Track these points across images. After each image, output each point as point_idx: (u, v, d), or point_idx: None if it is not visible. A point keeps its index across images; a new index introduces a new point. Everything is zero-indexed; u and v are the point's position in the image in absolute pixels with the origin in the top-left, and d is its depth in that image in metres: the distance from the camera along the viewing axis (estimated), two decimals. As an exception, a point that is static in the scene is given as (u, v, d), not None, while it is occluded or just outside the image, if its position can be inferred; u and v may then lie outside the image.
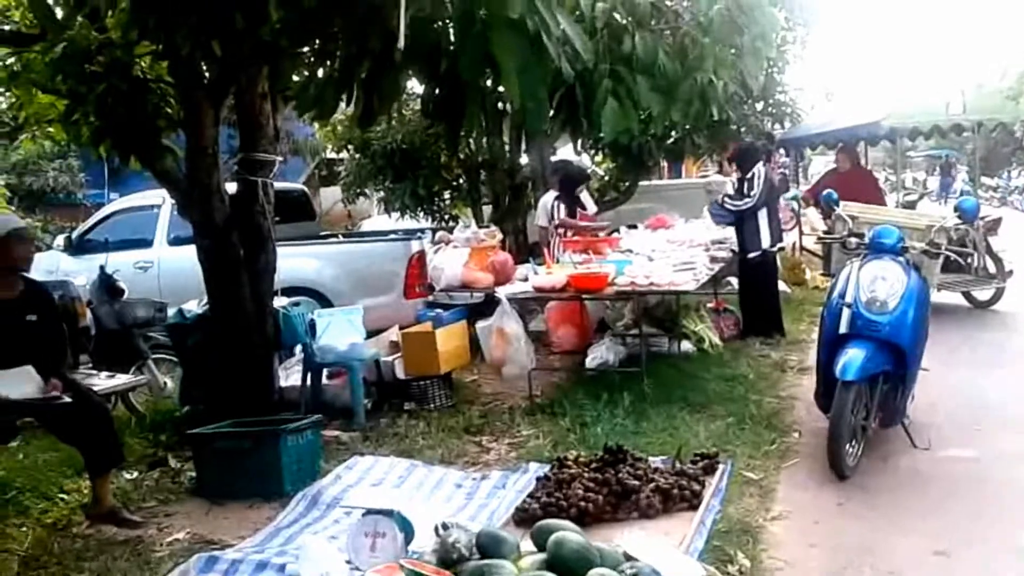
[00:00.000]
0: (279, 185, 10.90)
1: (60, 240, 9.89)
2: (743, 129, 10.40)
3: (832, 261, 6.02)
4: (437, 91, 2.81)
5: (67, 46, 4.59)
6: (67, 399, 4.33)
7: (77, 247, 9.44)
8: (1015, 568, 3.57)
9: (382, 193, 11.39)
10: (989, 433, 5.26)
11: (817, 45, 14.61)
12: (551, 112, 3.26)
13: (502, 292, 6.66)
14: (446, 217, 11.28)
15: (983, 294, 9.10)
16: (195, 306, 6.41)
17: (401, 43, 2.44)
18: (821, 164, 28.26)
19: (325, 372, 6.68)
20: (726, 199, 8.24)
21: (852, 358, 4.41)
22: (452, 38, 2.54)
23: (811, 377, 6.63)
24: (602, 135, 3.51)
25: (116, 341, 6.97)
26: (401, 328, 7.25)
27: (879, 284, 4.58)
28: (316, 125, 11.77)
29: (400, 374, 6.67)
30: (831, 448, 4.47)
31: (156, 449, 5.88)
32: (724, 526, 3.96)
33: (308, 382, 6.60)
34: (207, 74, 5.32)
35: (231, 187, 6.06)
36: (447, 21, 2.57)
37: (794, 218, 13.61)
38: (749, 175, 8.09)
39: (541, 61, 2.63)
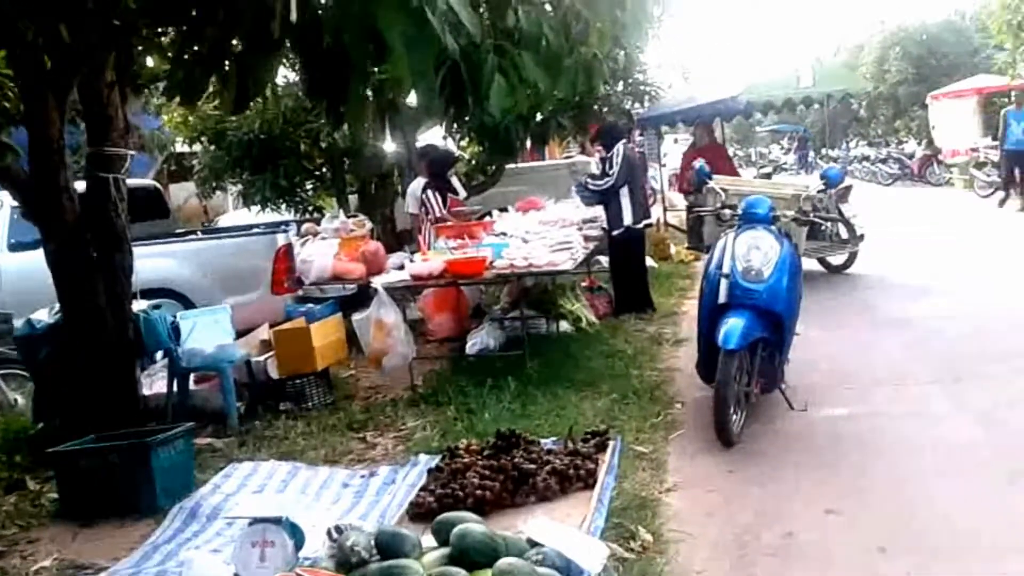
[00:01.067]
0: (130, 182, 10.40)
1: None
2: (605, 109, 10.51)
3: (705, 234, 6.13)
4: (316, 70, 2.63)
5: None
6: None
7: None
8: (905, 520, 3.70)
9: (240, 187, 10.89)
10: (860, 390, 5.50)
11: (673, 23, 14.95)
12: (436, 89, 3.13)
13: (378, 282, 6.47)
14: (310, 208, 10.91)
15: (838, 259, 9.55)
16: (46, 315, 5.93)
17: (294, 15, 2.25)
18: (669, 143, 29.23)
19: (192, 377, 6.34)
20: (587, 180, 8.32)
21: (732, 327, 4.48)
22: (332, 13, 2.37)
23: (686, 349, 6.81)
24: (490, 113, 3.37)
25: (-43, 357, 6.39)
26: (271, 326, 6.96)
27: (754, 253, 4.68)
28: (164, 117, 11.15)
29: (274, 373, 6.39)
30: (717, 417, 4.54)
31: (11, 472, 5.41)
32: (621, 502, 3.95)
33: (175, 388, 6.26)
34: (48, 63, 4.88)
35: (80, 185, 5.63)
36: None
37: (654, 196, 13.97)
38: (610, 154, 8.19)
39: (426, 36, 2.49)
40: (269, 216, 10.89)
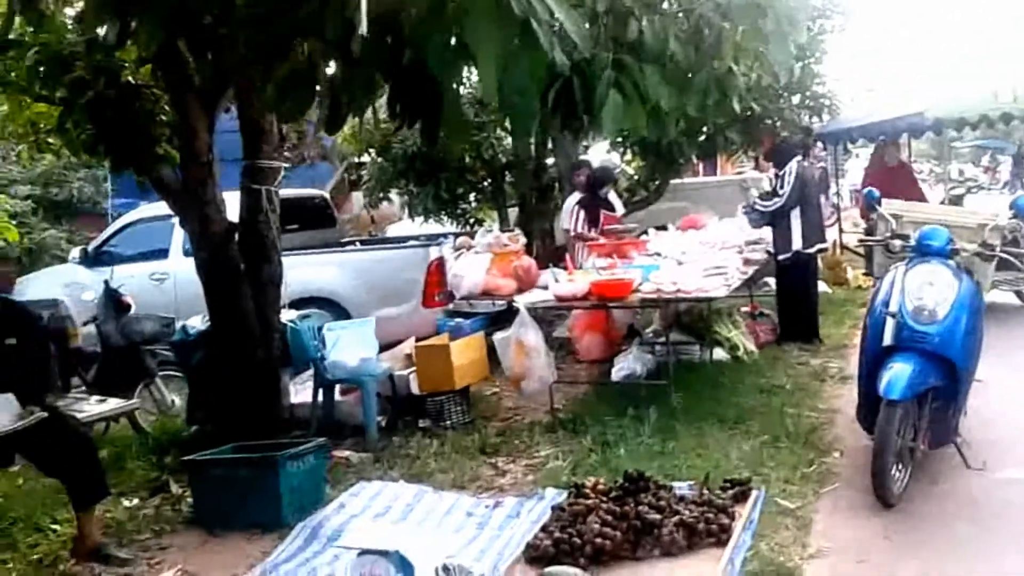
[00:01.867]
0: (298, 192, 10.79)
1: (76, 252, 9.70)
2: (779, 123, 9.90)
3: (874, 266, 5.55)
4: (402, 92, 2.47)
5: (39, 50, 4.31)
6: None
7: (94, 259, 9.25)
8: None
9: (405, 197, 11.07)
10: (1052, 451, 4.79)
11: (856, 34, 14.04)
12: (549, 108, 2.90)
13: (521, 301, 6.29)
14: (471, 221, 10.92)
15: (1035, 291, 8.53)
16: (199, 322, 6.14)
17: (363, 28, 2.09)
18: (863, 158, 27.53)
19: (338, 388, 6.39)
20: (756, 201, 7.81)
21: (897, 374, 3.98)
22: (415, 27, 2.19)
23: (853, 387, 6.15)
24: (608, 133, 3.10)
25: (122, 358, 6.72)
26: (419, 339, 6.93)
27: (927, 291, 4.14)
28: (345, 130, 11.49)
29: (415, 389, 6.34)
30: (876, 473, 4.04)
31: (159, 473, 5.61)
32: (756, 566, 3.56)
33: (320, 399, 6.32)
34: (197, 77, 5.01)
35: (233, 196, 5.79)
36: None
37: (835, 215, 13.10)
38: (783, 172, 7.66)
39: (529, 51, 2.26)
40: (432, 227, 11.02)
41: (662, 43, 2.89)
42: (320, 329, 6.28)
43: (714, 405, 5.85)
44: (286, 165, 5.90)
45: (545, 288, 6.63)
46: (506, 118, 10.65)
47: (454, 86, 2.45)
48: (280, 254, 5.91)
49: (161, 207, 9.30)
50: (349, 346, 6.15)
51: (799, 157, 8.10)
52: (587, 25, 2.76)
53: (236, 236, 5.50)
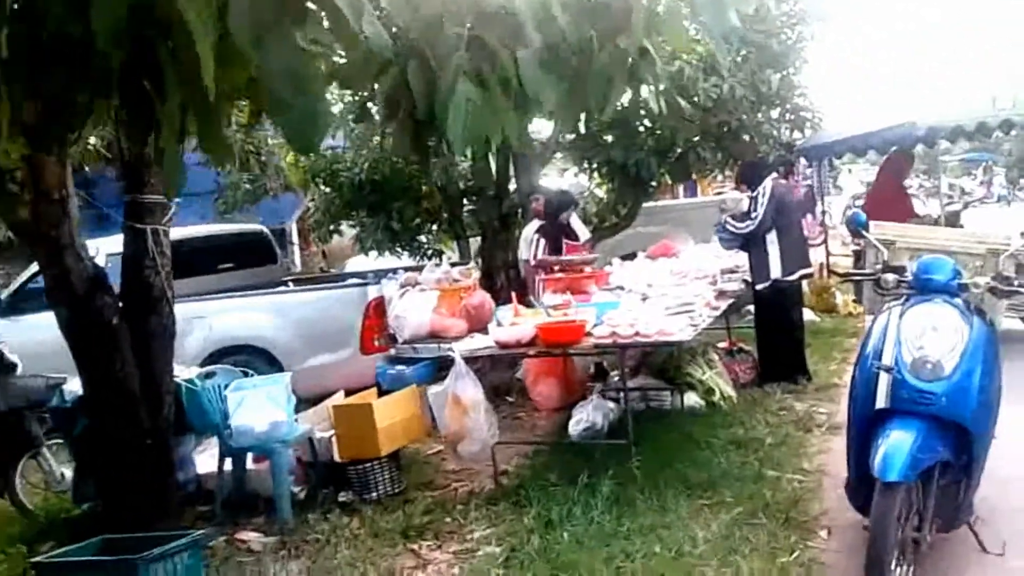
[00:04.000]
0: (236, 227, 9.95)
1: (-9, 300, 8.79)
2: (756, 139, 9.09)
3: (864, 299, 4.71)
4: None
5: None
6: None
7: (9, 307, 8.33)
8: None
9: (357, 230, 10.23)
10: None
11: (838, 41, 13.30)
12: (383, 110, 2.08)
13: (457, 348, 5.43)
14: (428, 253, 10.07)
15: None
16: (78, 385, 5.26)
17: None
18: (857, 174, 26.78)
19: (250, 455, 5.52)
20: (727, 221, 6.99)
21: (895, 446, 3.11)
22: None
23: (842, 438, 5.32)
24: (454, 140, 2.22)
25: (5, 425, 5.82)
26: (353, 391, 6.08)
27: (930, 338, 3.29)
28: (289, 155, 10.68)
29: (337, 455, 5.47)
30: (870, 570, 3.16)
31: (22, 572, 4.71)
32: None
33: (230, 468, 5.46)
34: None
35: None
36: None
37: (824, 232, 12.26)
38: (755, 192, 6.85)
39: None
40: (390, 262, 10.16)
41: (542, 11, 2.06)
42: (225, 388, 5.42)
43: (682, 467, 4.99)
44: (177, 200, 5.03)
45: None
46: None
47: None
48: (171, 303, 5.05)
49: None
50: (257, 408, 5.28)
51: (774, 175, 7.30)
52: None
53: (105, 286, 4.62)
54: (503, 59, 1.98)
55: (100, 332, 4.60)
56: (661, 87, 2.61)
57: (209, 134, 2.14)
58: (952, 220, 8.62)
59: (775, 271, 6.69)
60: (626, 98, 2.61)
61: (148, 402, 4.87)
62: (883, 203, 8.42)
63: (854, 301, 9.38)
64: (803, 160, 12.00)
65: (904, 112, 8.60)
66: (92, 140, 5.93)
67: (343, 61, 2.19)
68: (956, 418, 3.22)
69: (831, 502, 4.34)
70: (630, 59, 2.33)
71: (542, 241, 7.34)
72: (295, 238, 16.62)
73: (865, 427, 3.40)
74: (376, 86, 2.14)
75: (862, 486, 3.45)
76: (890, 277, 3.59)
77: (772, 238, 6.68)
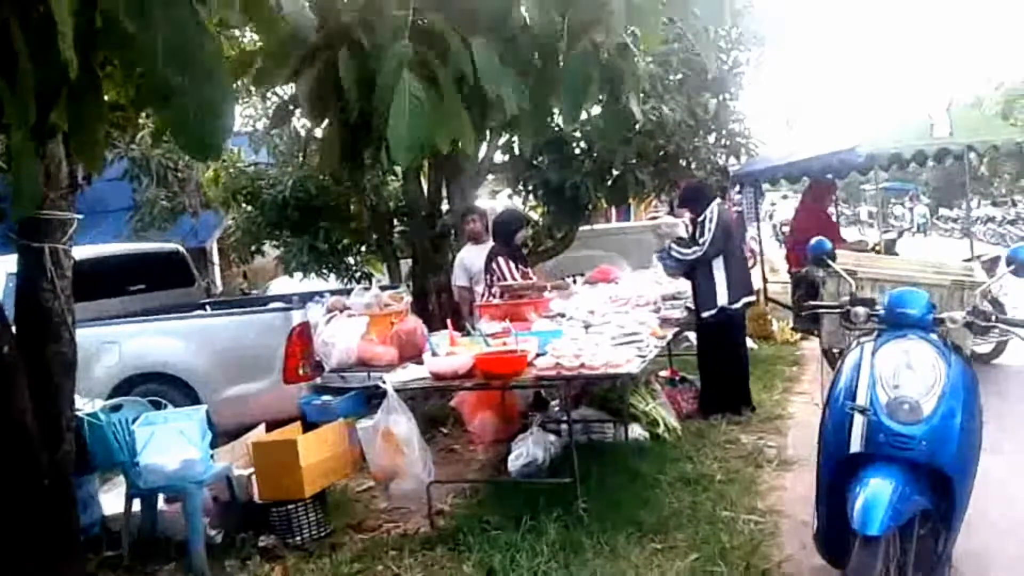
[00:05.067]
0: (150, 246, 9.38)
1: None
2: (694, 164, 8.97)
3: (824, 336, 4.50)
4: None
5: None
6: None
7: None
8: None
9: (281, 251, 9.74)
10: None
11: (774, 66, 13.33)
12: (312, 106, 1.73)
13: (390, 380, 5.04)
14: (357, 276, 9.64)
15: (984, 346, 7.64)
16: (-36, 419, 4.71)
17: None
18: (775, 197, 27.21)
19: (162, 496, 5.04)
20: (672, 247, 6.76)
21: (875, 497, 2.86)
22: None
23: (795, 475, 5.16)
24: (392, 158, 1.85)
25: None
26: (276, 424, 5.65)
27: (906, 377, 3.05)
28: (208, 172, 10.13)
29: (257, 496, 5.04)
30: (849, 635, 2.90)
31: None
32: None
33: (137, 510, 4.97)
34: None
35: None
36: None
37: (754, 258, 12.23)
38: (701, 217, 6.64)
39: None
40: (320, 284, 9.69)
41: (503, 4, 1.73)
42: (132, 423, 4.94)
43: (631, 507, 4.69)
44: (78, 216, 4.55)
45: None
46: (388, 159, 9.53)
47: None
48: (72, 329, 4.55)
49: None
50: (168, 444, 4.81)
51: (718, 200, 7.13)
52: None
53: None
54: (455, 49, 1.65)
55: (-12, 363, 4.09)
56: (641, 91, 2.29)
57: (77, 129, 1.75)
58: (889, 248, 8.61)
59: (722, 298, 6.50)
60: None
61: (46, 438, 4.36)
62: (811, 230, 8.34)
63: (792, 328, 9.28)
64: (736, 186, 12.00)
65: (843, 138, 8.52)
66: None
67: (257, 46, 1.85)
68: (937, 464, 2.99)
69: (792, 547, 4.08)
70: (605, 55, 2.01)
71: (510, 263, 6.91)
72: (215, 258, 15.97)
73: (837, 472, 3.15)
74: (298, 81, 1.78)
75: (833, 535, 3.20)
76: (861, 310, 3.36)
77: (719, 263, 6.50)
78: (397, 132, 1.61)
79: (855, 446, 3.06)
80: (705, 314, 6.55)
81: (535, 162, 8.72)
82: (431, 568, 4.31)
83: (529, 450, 5.61)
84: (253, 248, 9.73)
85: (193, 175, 11.47)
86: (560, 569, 4.02)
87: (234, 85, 1.98)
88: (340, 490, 5.55)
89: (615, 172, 8.50)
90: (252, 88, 6.80)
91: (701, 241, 6.52)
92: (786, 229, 14.50)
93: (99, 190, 17.87)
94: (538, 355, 4.95)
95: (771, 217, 24.30)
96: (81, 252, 7.53)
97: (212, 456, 5.09)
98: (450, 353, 5.12)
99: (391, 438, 4.80)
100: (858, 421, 3.07)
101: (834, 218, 10.40)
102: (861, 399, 3.09)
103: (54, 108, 1.93)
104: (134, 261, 8.24)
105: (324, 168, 6.18)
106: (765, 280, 10.75)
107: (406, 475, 4.80)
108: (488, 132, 9.19)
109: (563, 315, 6.12)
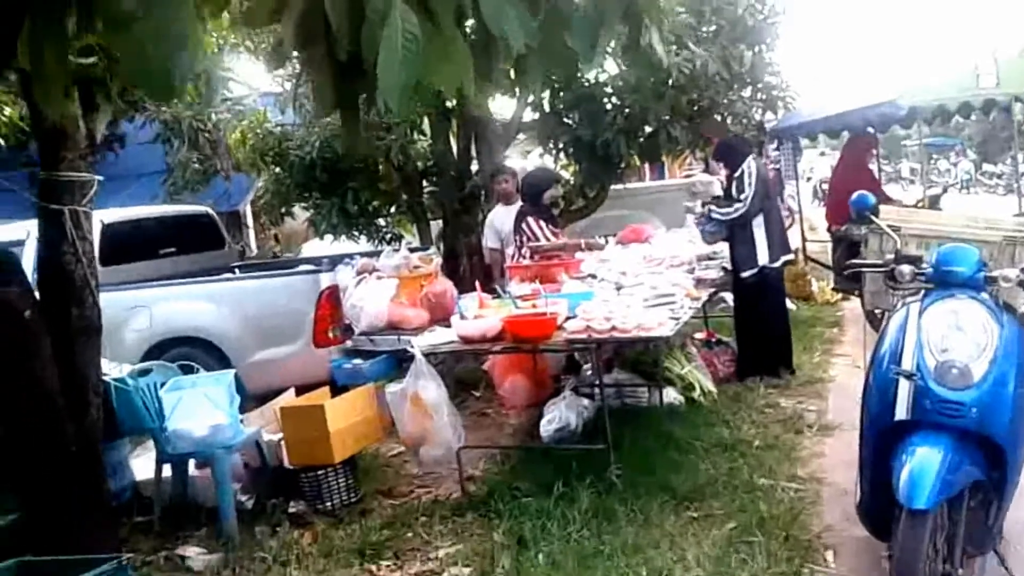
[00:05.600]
0: (180, 209, 9.35)
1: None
2: (729, 118, 8.69)
3: (866, 297, 4.32)
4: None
5: None
6: None
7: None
8: None
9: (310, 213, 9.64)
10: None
11: (810, 16, 12.89)
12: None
13: (418, 344, 4.96)
14: (387, 237, 9.52)
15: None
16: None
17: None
18: (813, 157, 26.63)
19: (192, 461, 5.02)
20: (711, 208, 6.54)
21: (922, 468, 2.71)
22: None
23: (836, 441, 5.00)
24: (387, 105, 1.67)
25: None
26: (305, 388, 5.59)
27: (955, 339, 2.89)
28: (236, 133, 10.04)
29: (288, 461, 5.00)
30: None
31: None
32: None
33: (168, 475, 4.96)
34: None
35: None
36: None
37: (791, 217, 11.94)
38: (738, 172, 6.42)
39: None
40: (348, 246, 9.61)
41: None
42: (160, 387, 4.90)
43: (665, 473, 4.57)
44: (98, 178, 4.48)
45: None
46: (421, 117, 9.36)
47: None
48: (96, 293, 4.50)
49: (8, 230, 7.82)
50: (196, 410, 4.78)
51: (754, 155, 6.90)
52: None
53: (10, 274, 4.06)
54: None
55: (8, 327, 4.05)
56: (657, 38, 2.09)
57: (40, 72, 1.61)
58: (933, 205, 8.31)
59: (763, 257, 6.31)
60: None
61: (72, 405, 4.34)
62: (851, 187, 8.05)
63: (833, 289, 9.05)
64: (774, 141, 11.68)
65: (884, 90, 8.20)
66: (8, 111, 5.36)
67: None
68: (988, 432, 2.83)
69: (833, 516, 3.95)
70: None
71: (540, 223, 6.76)
72: (249, 221, 15.93)
73: (881, 440, 3.00)
74: (283, 18, 1.63)
75: (877, 506, 3.06)
76: (906, 269, 3.18)
77: (759, 222, 6.30)
78: (388, 71, 1.46)
79: (901, 413, 2.91)
80: (745, 274, 6.36)
81: (566, 119, 8.52)
82: (461, 535, 4.25)
83: (562, 414, 5.51)
84: (282, 211, 9.65)
85: (221, 137, 11.42)
86: (592, 537, 3.93)
87: (201, 18, 1.83)
88: (372, 455, 5.50)
89: (648, 128, 8.27)
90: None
91: (743, 198, 6.31)
92: (826, 187, 14.16)
93: (134, 153, 17.95)
94: (568, 318, 4.82)
95: (809, 179, 23.77)
96: (111, 215, 7.60)
97: (242, 421, 5.06)
98: (478, 316, 5.01)
99: (419, 403, 4.73)
100: (904, 387, 2.91)
101: (875, 174, 10.07)
102: (907, 363, 2.93)
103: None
104: (164, 224, 8.22)
105: (322, 113, 5.94)
106: (804, 239, 10.48)
107: (435, 441, 4.73)
108: (517, 88, 9.04)
109: (594, 276, 5.97)
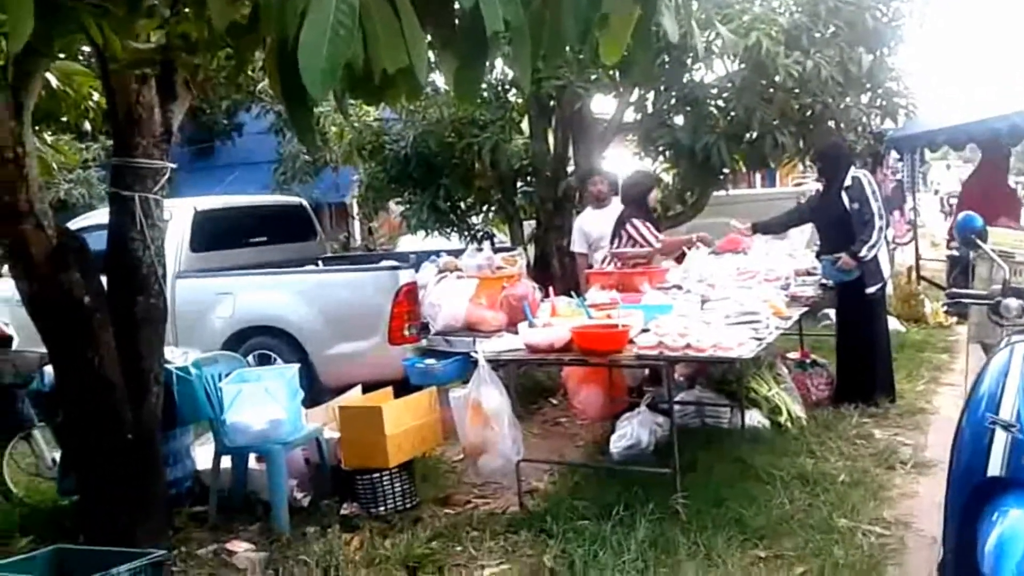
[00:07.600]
0: (274, 199, 9.43)
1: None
2: (843, 125, 8.16)
3: (971, 330, 3.87)
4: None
5: None
6: None
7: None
8: None
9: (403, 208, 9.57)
10: None
11: (940, 20, 12.05)
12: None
13: (482, 350, 4.76)
14: (479, 236, 9.37)
15: None
16: (58, 369, 4.75)
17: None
18: (942, 170, 25.23)
19: (253, 454, 4.96)
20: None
21: (1013, 535, 2.32)
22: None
23: (932, 480, 4.55)
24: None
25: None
26: (373, 386, 5.48)
27: (1065, 389, 2.49)
28: (333, 130, 10.07)
29: (345, 461, 4.88)
30: None
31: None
32: None
33: (227, 467, 4.92)
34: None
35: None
36: None
37: (911, 231, 11.24)
38: (861, 196, 5.93)
39: None
40: (439, 243, 9.51)
41: None
42: (224, 378, 4.86)
43: (736, 504, 4.23)
44: (171, 165, 4.45)
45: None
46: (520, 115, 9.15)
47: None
48: (162, 281, 4.47)
49: (102, 215, 8.02)
50: (255, 403, 4.71)
51: (856, 164, 6.42)
52: None
53: (73, 260, 4.04)
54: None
55: (67, 313, 4.04)
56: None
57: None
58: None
59: (886, 270, 5.92)
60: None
61: (131, 392, 4.32)
62: (986, 205, 7.40)
63: (946, 311, 8.42)
64: (893, 152, 11.00)
65: (1016, 99, 7.52)
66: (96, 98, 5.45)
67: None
68: (1099, 498, 2.41)
69: (917, 570, 3.55)
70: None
71: (647, 224, 6.47)
72: (355, 212, 16.07)
73: (971, 496, 2.62)
74: None
75: (961, 573, 2.67)
76: (1013, 304, 2.78)
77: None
78: (311, 50, 1.24)
79: (994, 469, 2.51)
80: (871, 289, 5.91)
81: (667, 121, 8.17)
82: (511, 554, 4.03)
83: (634, 431, 5.23)
84: (375, 205, 9.63)
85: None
86: (646, 570, 3.64)
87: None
88: (435, 459, 5.34)
89: (753, 133, 7.84)
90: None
91: (869, 216, 5.83)
92: (954, 201, 13.26)
93: (249, 143, 18.37)
94: (642, 331, 4.53)
95: (936, 192, 22.49)
96: (204, 203, 7.71)
97: (304, 416, 4.98)
98: (547, 324, 4.77)
99: (480, 411, 4.53)
100: (1000, 438, 2.51)
101: (1018, 195, 9.28)
102: (1006, 412, 2.53)
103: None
104: (258, 213, 8.29)
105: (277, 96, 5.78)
106: (918, 256, 9.80)
107: (494, 451, 4.52)
108: (619, 88, 8.72)
109: (679, 287, 5.65)
